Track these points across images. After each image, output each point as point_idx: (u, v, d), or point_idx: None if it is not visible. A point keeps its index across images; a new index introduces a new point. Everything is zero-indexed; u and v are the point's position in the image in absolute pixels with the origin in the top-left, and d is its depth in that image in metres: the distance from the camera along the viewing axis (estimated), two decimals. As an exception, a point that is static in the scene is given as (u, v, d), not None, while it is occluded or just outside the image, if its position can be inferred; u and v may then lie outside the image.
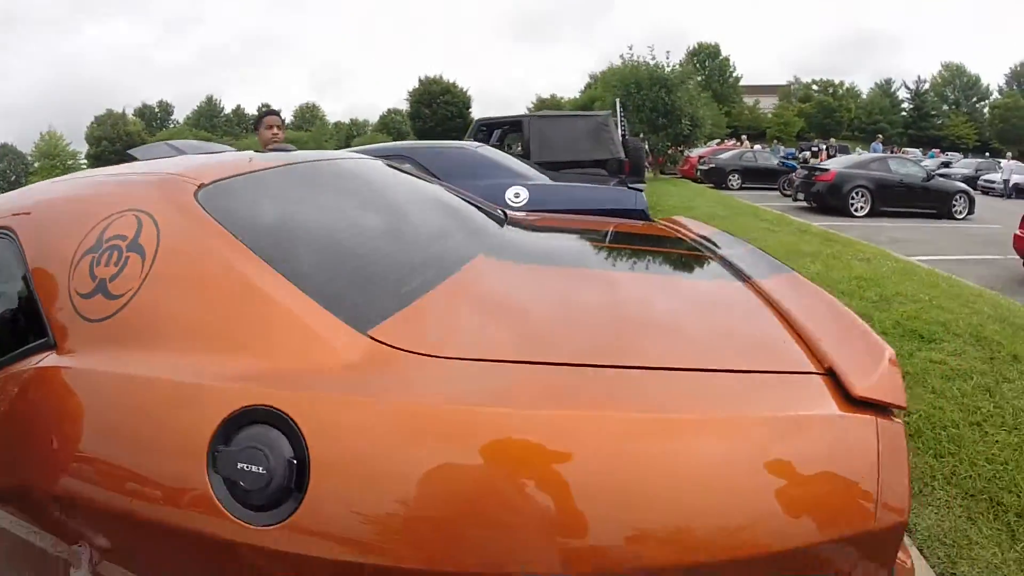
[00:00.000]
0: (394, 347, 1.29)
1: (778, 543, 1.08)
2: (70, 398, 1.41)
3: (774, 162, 24.02)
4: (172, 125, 73.13)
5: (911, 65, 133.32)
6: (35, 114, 77.44)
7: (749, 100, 65.39)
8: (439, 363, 1.26)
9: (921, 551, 2.46)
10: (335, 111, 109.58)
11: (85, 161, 63.96)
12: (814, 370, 1.33)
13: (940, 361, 3.96)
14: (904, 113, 67.36)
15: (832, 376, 1.29)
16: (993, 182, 24.70)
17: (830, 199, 15.03)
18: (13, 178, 62.09)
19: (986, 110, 64.62)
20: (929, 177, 15.81)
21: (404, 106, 67.26)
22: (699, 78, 47.52)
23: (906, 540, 2.48)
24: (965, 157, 37.03)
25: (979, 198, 17.42)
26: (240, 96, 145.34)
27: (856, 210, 14.81)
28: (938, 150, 42.83)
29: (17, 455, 1.47)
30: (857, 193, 14.86)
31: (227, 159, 2.04)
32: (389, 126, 69.07)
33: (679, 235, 2.78)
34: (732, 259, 2.23)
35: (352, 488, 1.10)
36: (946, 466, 2.91)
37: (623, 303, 1.80)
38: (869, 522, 1.11)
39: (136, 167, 1.96)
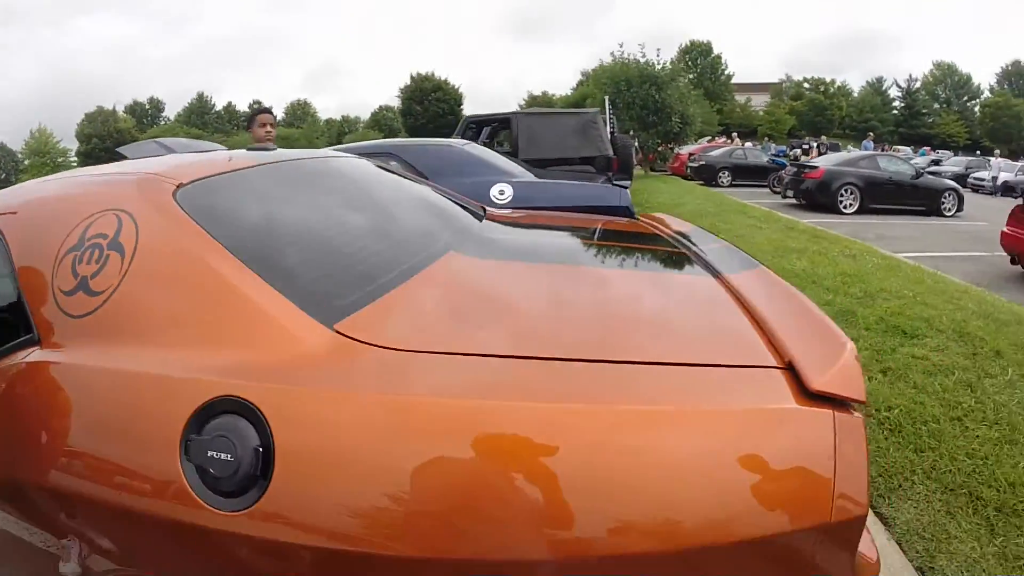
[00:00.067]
0: (358, 340, 1.33)
1: (731, 534, 1.10)
2: (54, 392, 1.45)
3: (764, 159, 24.03)
4: (163, 122, 72.99)
5: (903, 64, 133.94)
6: (25, 111, 77.19)
7: (741, 98, 65.57)
8: (399, 356, 1.30)
9: (900, 545, 2.47)
10: (327, 108, 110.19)
11: (75, 159, 63.78)
12: (774, 364, 1.34)
13: (922, 357, 3.97)
14: (895, 111, 67.77)
15: (791, 370, 1.30)
16: (983, 180, 24.83)
17: (819, 196, 15.06)
18: (3, 176, 61.96)
19: (977, 109, 64.94)
20: (918, 175, 15.83)
21: (396, 103, 67.26)
22: (691, 76, 47.71)
23: (882, 535, 2.49)
24: (956, 155, 37.15)
25: (969, 196, 17.52)
26: (231, 93, 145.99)
27: (845, 207, 14.85)
28: (928, 148, 42.96)
29: (4, 450, 1.49)
30: (846, 190, 14.89)
31: (207, 159, 2.08)
32: (381, 123, 69.19)
33: (656, 231, 2.81)
34: (704, 255, 2.26)
35: (314, 475, 1.15)
36: (926, 460, 2.92)
37: (591, 298, 1.84)
38: (825, 515, 1.12)
39: (119, 167, 2.01)
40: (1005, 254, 8.56)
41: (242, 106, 75.98)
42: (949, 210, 15.35)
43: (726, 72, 65.29)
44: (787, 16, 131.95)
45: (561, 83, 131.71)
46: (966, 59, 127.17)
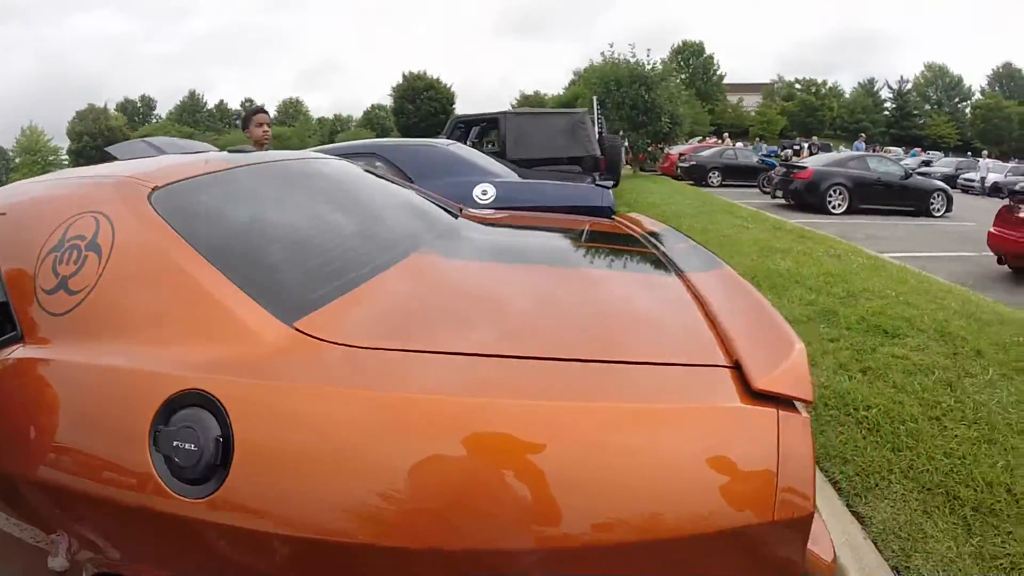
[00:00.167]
0: (315, 337, 1.40)
1: (669, 530, 1.13)
2: (36, 387, 1.54)
3: (754, 160, 24.08)
4: (155, 120, 72.86)
5: (894, 65, 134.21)
6: (16, 109, 76.33)
7: (733, 98, 65.80)
8: (354, 352, 1.38)
9: (876, 544, 2.46)
10: (319, 106, 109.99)
11: (67, 157, 63.51)
12: (723, 363, 1.37)
13: (903, 356, 3.96)
14: (887, 112, 68.11)
15: (739, 369, 1.33)
16: (973, 181, 24.96)
17: (808, 196, 15.10)
18: (-6, 174, 61.47)
19: (968, 110, 65.28)
20: (907, 175, 15.91)
21: (388, 102, 67.17)
22: (683, 76, 47.79)
23: (859, 534, 2.49)
24: (946, 156, 37.34)
25: (958, 196, 17.65)
26: (223, 91, 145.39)
27: (834, 208, 14.89)
28: (919, 149, 43.14)
29: None
30: (835, 191, 14.94)
31: (184, 161, 2.15)
32: (373, 122, 69.19)
33: (629, 232, 2.87)
34: (671, 255, 2.32)
35: (270, 465, 1.24)
36: (904, 460, 2.91)
37: (550, 297, 1.89)
38: (768, 513, 1.14)
39: (102, 169, 2.09)
40: (992, 254, 8.61)
41: (234, 104, 76.07)
42: (938, 210, 15.42)
43: (718, 72, 65.70)
44: (780, 17, 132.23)
45: (554, 82, 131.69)
46: (957, 61, 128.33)
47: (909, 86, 68.35)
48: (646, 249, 2.47)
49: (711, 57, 65.19)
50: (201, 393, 1.29)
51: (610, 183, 5.99)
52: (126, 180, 1.84)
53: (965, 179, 25.38)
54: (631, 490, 1.15)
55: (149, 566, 1.41)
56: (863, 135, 30.95)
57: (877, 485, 2.77)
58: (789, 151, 27.45)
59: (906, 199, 15.38)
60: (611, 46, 23.64)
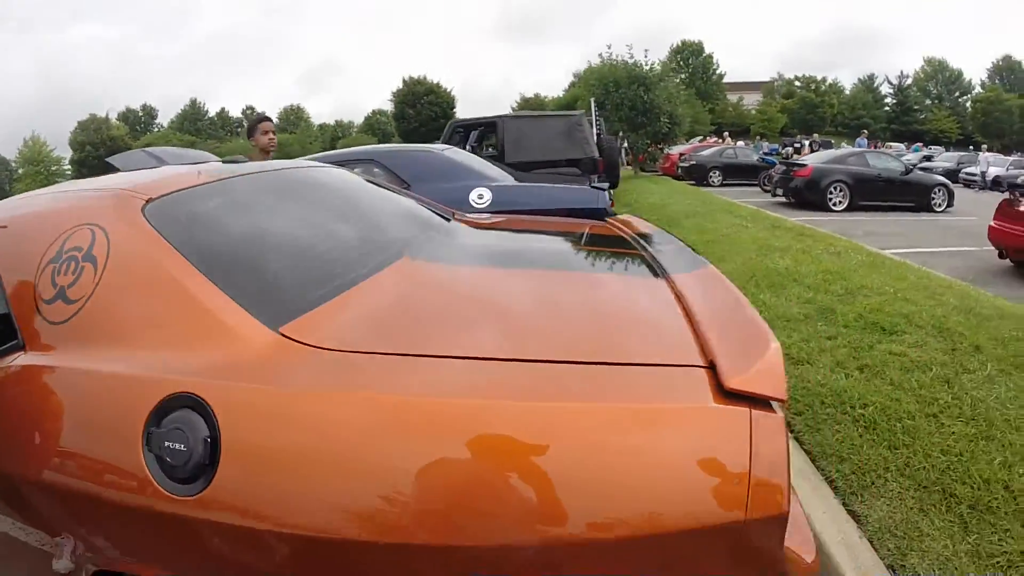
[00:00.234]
0: (299, 342, 1.47)
1: (642, 528, 1.16)
2: (38, 394, 1.61)
3: (754, 158, 24.07)
4: (156, 129, 73.06)
5: (894, 60, 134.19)
6: (18, 120, 76.83)
7: (733, 97, 65.74)
8: (335, 356, 1.44)
9: (871, 543, 2.45)
10: (320, 113, 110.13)
11: (69, 167, 63.60)
12: (699, 363, 1.40)
13: (900, 353, 3.94)
14: (887, 108, 67.93)
15: (714, 369, 1.35)
16: (974, 175, 24.84)
17: (808, 194, 15.08)
18: (-2, 185, 61.62)
19: (968, 104, 65.06)
20: (908, 171, 15.87)
21: (389, 107, 67.14)
22: (682, 76, 47.73)
23: (854, 533, 2.48)
24: (948, 151, 37.24)
25: (960, 191, 17.60)
26: (224, 99, 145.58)
27: (834, 205, 14.87)
28: (921, 144, 43.03)
29: None
30: (835, 188, 14.92)
31: (179, 173, 2.21)
32: (374, 127, 69.20)
33: (619, 233, 2.90)
34: (658, 256, 2.35)
35: (255, 464, 1.31)
36: (900, 458, 2.89)
37: (535, 300, 1.93)
38: (740, 512, 1.15)
39: (98, 182, 2.17)
40: (994, 248, 8.57)
41: (235, 112, 76.12)
42: (939, 206, 15.38)
43: (718, 71, 65.59)
44: (779, 15, 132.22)
45: (555, 84, 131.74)
46: (957, 55, 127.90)
47: (909, 81, 68.21)
48: (634, 251, 2.51)
49: (710, 56, 65.21)
50: (190, 396, 1.36)
51: (606, 185, 5.99)
52: (121, 193, 1.92)
53: (967, 173, 25.26)
54: (601, 489, 1.18)
55: (146, 563, 1.48)
56: (865, 131, 30.92)
57: (873, 483, 2.76)
58: (790, 149, 27.46)
59: (907, 195, 15.35)
60: (609, 47, 23.63)
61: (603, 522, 1.16)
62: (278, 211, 2.31)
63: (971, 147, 40.26)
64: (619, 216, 3.26)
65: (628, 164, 24.31)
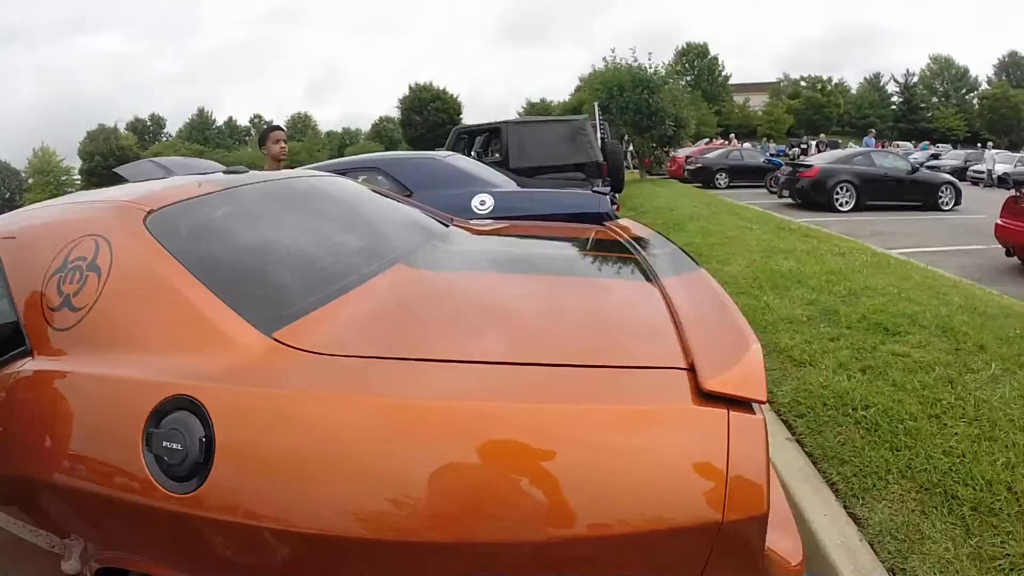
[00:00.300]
0: (291, 346, 1.54)
1: (618, 529, 1.18)
2: (45, 397, 1.69)
3: (761, 160, 24.03)
4: (165, 138, 73.43)
5: (900, 59, 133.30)
6: (27, 130, 77.41)
7: (739, 98, 65.54)
8: (326, 360, 1.49)
9: (872, 545, 2.43)
10: (328, 120, 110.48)
11: (79, 177, 63.99)
12: (681, 365, 1.42)
13: (903, 354, 3.92)
14: (894, 107, 67.50)
15: (694, 371, 1.37)
16: (982, 173, 24.67)
17: (814, 195, 15.03)
18: (8, 195, 62.12)
19: (975, 101, 64.71)
20: (914, 169, 15.80)
21: (396, 114, 67.35)
22: (688, 78, 47.64)
23: (854, 535, 2.47)
24: (955, 148, 37.01)
25: (968, 189, 17.49)
26: (232, 107, 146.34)
27: (841, 205, 14.81)
28: (929, 142, 42.79)
29: (5, 451, 1.72)
30: (841, 188, 14.86)
31: (181, 185, 2.29)
32: (382, 134, 69.38)
33: (615, 237, 2.92)
34: (651, 259, 2.37)
35: (247, 463, 1.36)
36: (902, 459, 2.88)
37: (526, 305, 1.97)
38: (717, 514, 1.16)
39: (103, 194, 2.26)
40: (1001, 246, 8.50)
41: (243, 120, 76.46)
42: (947, 204, 15.30)
43: (723, 73, 65.35)
44: (784, 15, 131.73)
45: (561, 89, 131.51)
46: (963, 52, 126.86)
47: (915, 79, 67.73)
48: (628, 255, 2.53)
49: (716, 58, 64.92)
50: (187, 398, 1.42)
51: (608, 189, 5.99)
52: (124, 205, 2.00)
53: (974, 171, 25.07)
54: (578, 489, 1.20)
55: (148, 559, 1.53)
56: (872, 131, 30.68)
57: (874, 486, 2.74)
58: (796, 150, 27.38)
59: (914, 194, 15.28)
60: (613, 51, 23.61)
61: (579, 522, 1.18)
62: (275, 221, 2.36)
63: (979, 144, 39.87)
64: (617, 220, 3.28)
65: (634, 168, 24.29)
